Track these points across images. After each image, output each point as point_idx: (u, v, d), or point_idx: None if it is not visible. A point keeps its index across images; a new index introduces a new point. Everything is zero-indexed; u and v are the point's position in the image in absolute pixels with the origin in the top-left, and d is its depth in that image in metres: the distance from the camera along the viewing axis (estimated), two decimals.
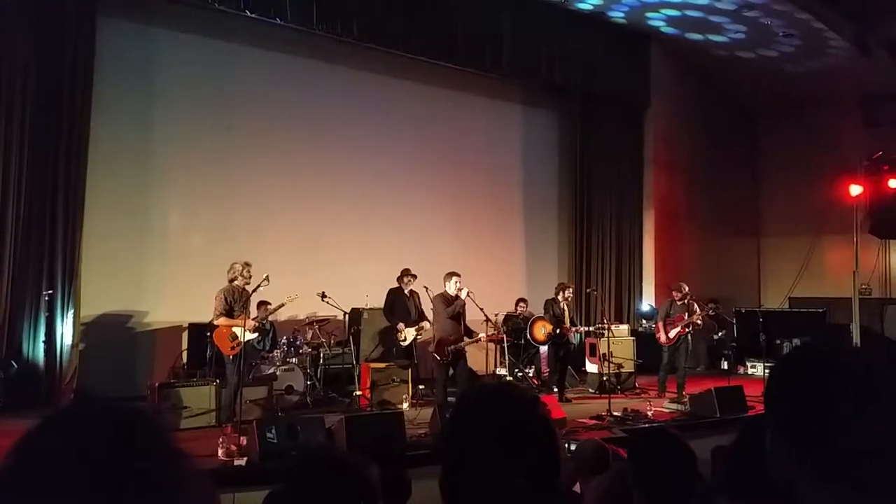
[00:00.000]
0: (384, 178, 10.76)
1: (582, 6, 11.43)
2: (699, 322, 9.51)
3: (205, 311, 7.70)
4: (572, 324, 9.60)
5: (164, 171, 9.15)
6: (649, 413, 7.96)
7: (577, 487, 3.30)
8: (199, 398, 7.15)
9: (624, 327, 11.17)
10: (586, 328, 10.22)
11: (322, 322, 8.97)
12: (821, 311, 12.61)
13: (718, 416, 7.69)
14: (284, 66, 10.03)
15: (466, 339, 7.88)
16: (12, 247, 7.75)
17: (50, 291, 7.78)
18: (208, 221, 9.51)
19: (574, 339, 9.96)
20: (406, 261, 9.04)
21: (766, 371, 9.81)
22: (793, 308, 13.97)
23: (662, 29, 12.15)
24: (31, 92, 7.85)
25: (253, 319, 7.66)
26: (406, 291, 8.65)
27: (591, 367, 10.12)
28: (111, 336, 8.53)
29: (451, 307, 7.86)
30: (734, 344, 11.63)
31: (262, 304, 8.16)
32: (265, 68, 9.88)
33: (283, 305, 7.95)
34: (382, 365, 8.53)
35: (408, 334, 8.44)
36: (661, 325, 9.52)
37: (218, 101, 9.56)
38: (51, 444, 0.78)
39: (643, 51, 12.78)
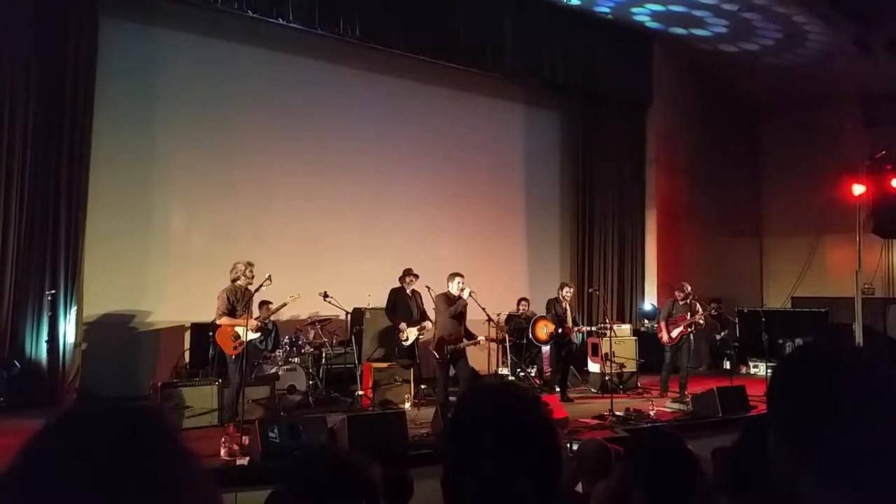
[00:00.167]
0: (386, 178, 10.77)
1: (572, 1, 11.38)
2: (701, 322, 9.50)
3: (207, 310, 7.71)
4: (574, 323, 9.59)
5: (166, 170, 9.16)
6: (651, 413, 7.95)
7: (579, 487, 3.30)
8: (202, 398, 7.16)
9: (626, 327, 11.17)
10: (588, 328, 10.21)
11: (324, 322, 8.98)
12: (823, 310, 12.60)
13: (721, 415, 7.69)
14: (286, 65, 10.04)
15: (465, 341, 7.88)
16: (15, 247, 7.77)
17: (52, 291, 7.80)
18: (210, 221, 9.52)
19: (576, 338, 9.96)
20: (408, 260, 9.04)
21: (769, 371, 9.79)
22: (795, 308, 13.96)
23: (647, 24, 12.13)
24: (33, 92, 7.86)
25: (255, 319, 7.67)
26: (408, 291, 8.65)
27: (594, 367, 10.12)
28: (114, 336, 8.55)
29: (454, 307, 7.86)
30: (736, 344, 11.64)
31: (264, 303, 8.16)
32: (266, 68, 9.89)
33: (285, 305, 7.96)
34: (384, 364, 8.53)
35: (410, 334, 8.44)
36: (663, 324, 9.51)
37: (219, 100, 9.57)
38: (56, 444, 0.79)
39: (645, 51, 12.77)
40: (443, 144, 11.39)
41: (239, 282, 7.43)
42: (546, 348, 9.97)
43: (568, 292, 9.66)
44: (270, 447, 5.57)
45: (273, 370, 8.00)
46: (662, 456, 2.15)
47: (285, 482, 2.02)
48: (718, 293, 12.50)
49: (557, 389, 9.29)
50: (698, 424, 7.56)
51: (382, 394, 8.28)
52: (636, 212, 13.04)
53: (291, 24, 9.25)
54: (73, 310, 8.02)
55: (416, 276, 8.69)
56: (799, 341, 10.10)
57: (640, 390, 9.95)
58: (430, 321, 8.36)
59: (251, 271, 7.45)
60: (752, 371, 11.86)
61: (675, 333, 9.33)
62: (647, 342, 10.56)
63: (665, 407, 8.52)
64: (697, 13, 11.44)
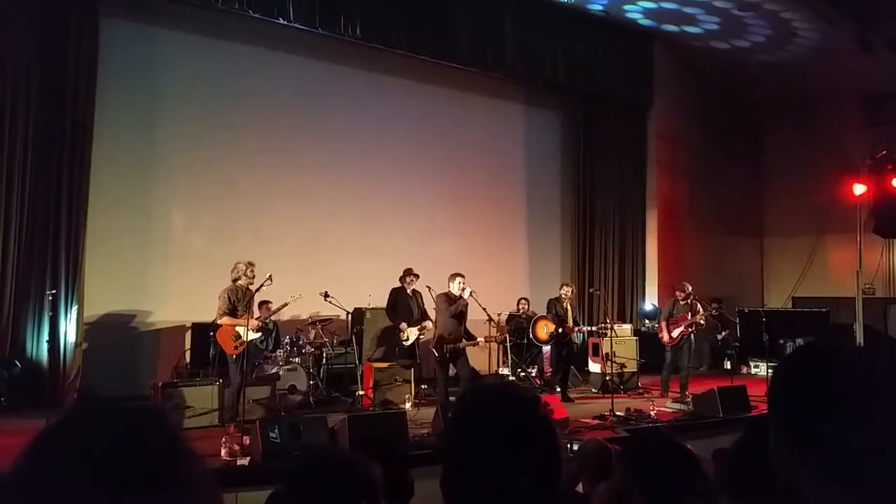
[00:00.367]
0: (387, 178, 10.77)
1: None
2: (702, 322, 9.50)
3: (208, 310, 7.71)
4: (575, 323, 9.59)
5: (167, 170, 9.16)
6: (652, 413, 7.94)
7: (579, 487, 3.30)
8: (202, 398, 7.16)
9: (627, 327, 11.17)
10: (589, 328, 10.21)
11: (325, 322, 8.98)
12: (824, 310, 12.59)
13: (721, 416, 7.68)
14: (286, 65, 10.04)
15: (465, 341, 7.88)
16: (16, 247, 7.78)
17: (53, 291, 7.79)
18: (211, 221, 9.53)
19: (577, 338, 9.96)
20: (408, 260, 9.04)
21: (770, 371, 9.79)
22: (796, 308, 13.95)
23: (640, 21, 12.12)
24: (33, 92, 7.87)
25: (256, 319, 7.67)
26: (409, 291, 8.65)
27: (594, 367, 10.12)
28: (114, 335, 8.55)
29: (454, 306, 7.86)
30: (737, 344, 11.64)
31: (264, 303, 8.17)
32: (267, 68, 9.89)
33: (286, 305, 7.96)
34: (385, 364, 8.53)
35: (410, 334, 8.44)
36: (664, 324, 9.50)
37: (220, 100, 9.57)
38: (58, 444, 0.79)
39: (646, 51, 12.76)
40: (443, 144, 11.39)
41: (240, 282, 7.44)
42: (546, 348, 9.97)
43: (568, 292, 9.66)
44: (271, 447, 5.57)
45: (274, 370, 8.00)
46: (660, 456, 2.15)
47: (286, 482, 2.02)
48: (719, 293, 12.50)
49: (558, 389, 9.29)
50: (699, 425, 7.55)
51: (383, 394, 8.28)
52: (637, 212, 13.04)
53: (292, 24, 9.25)
54: (74, 310, 8.03)
55: (417, 276, 8.69)
56: (800, 341, 10.09)
57: (640, 390, 9.95)
58: (431, 321, 8.36)
59: (252, 271, 7.46)
60: (753, 371, 11.86)
61: (675, 333, 9.33)
62: (647, 342, 10.56)
63: (666, 407, 8.51)
64: (689, 10, 11.43)
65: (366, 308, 9.44)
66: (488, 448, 1.26)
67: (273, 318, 8.36)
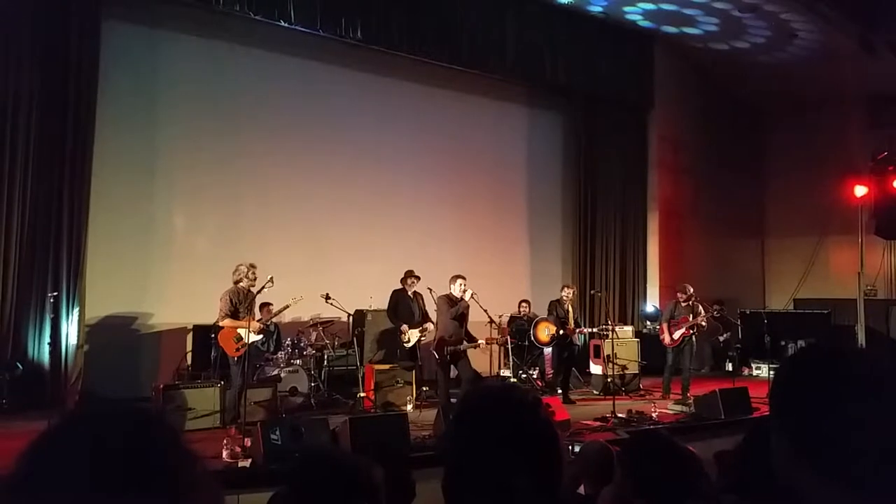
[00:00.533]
0: (387, 180, 10.77)
1: (564, 0, 11.38)
2: (704, 324, 9.49)
3: (209, 312, 7.71)
4: (576, 325, 9.59)
5: (168, 172, 9.17)
6: (653, 415, 7.94)
7: (581, 489, 3.30)
8: (204, 400, 7.17)
9: (628, 329, 11.16)
10: (590, 329, 10.20)
11: (326, 324, 8.98)
12: (826, 312, 12.58)
13: (723, 417, 7.68)
14: (288, 67, 10.05)
15: (465, 343, 7.87)
16: (17, 248, 7.78)
17: (55, 293, 7.79)
18: (213, 223, 9.53)
19: (578, 340, 9.95)
20: (410, 262, 9.04)
21: (771, 373, 9.79)
22: (798, 309, 13.95)
23: (640, 23, 12.12)
24: (35, 94, 7.88)
25: (258, 321, 7.68)
26: (410, 293, 8.65)
27: (596, 369, 10.11)
28: (116, 337, 8.55)
29: (455, 308, 7.85)
30: (739, 345, 11.62)
31: (265, 305, 8.17)
32: (269, 70, 9.90)
33: (287, 307, 7.97)
34: (386, 366, 8.53)
35: (411, 336, 8.44)
36: (665, 326, 9.49)
37: (222, 102, 9.58)
38: (59, 445, 0.79)
39: (647, 53, 12.77)
40: (445, 146, 11.39)
41: (241, 283, 7.44)
42: (548, 350, 9.96)
43: (570, 294, 9.65)
44: (272, 449, 5.57)
45: (275, 372, 8.00)
46: (659, 459, 2.15)
47: (287, 484, 2.02)
48: (721, 295, 12.49)
49: (559, 391, 9.29)
50: (700, 426, 7.55)
51: (384, 396, 8.28)
52: (638, 213, 13.04)
53: (293, 27, 9.27)
54: (76, 311, 8.03)
55: (418, 278, 8.69)
56: (801, 343, 10.08)
57: (642, 392, 9.94)
58: (432, 323, 8.36)
59: (254, 273, 7.46)
60: (755, 373, 11.85)
61: (677, 335, 9.32)
62: (649, 344, 10.55)
63: (667, 409, 8.51)
64: (688, 11, 11.43)
65: (367, 310, 9.43)
66: (489, 450, 1.26)
67: (274, 320, 8.36)
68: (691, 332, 9.31)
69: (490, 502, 1.26)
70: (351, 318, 9.18)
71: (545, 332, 9.45)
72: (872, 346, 11.28)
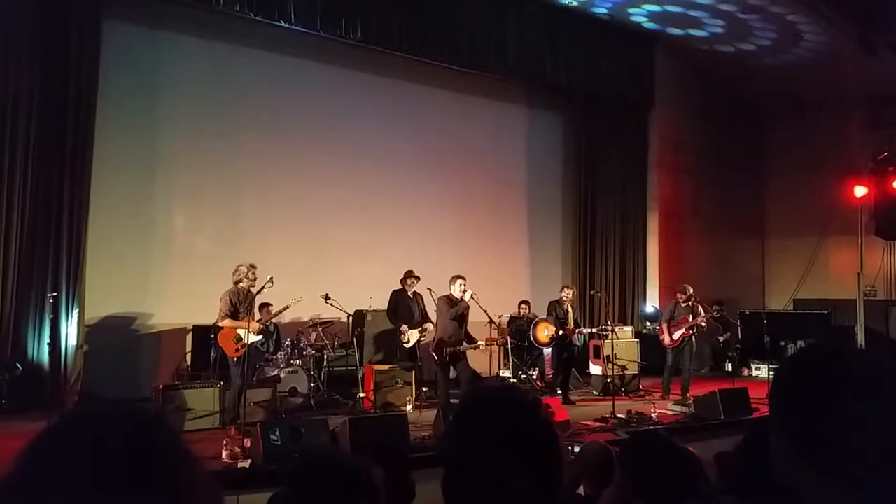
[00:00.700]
0: (388, 180, 10.77)
1: (566, 1, 11.38)
2: (703, 324, 9.49)
3: (209, 312, 7.71)
4: (576, 325, 9.59)
5: (168, 173, 9.17)
6: (653, 415, 7.94)
7: (581, 490, 3.29)
8: (203, 400, 7.16)
9: (628, 329, 11.16)
10: (590, 330, 10.20)
11: (326, 324, 8.97)
12: (825, 312, 12.59)
13: (722, 418, 7.68)
14: (288, 68, 10.05)
15: (465, 345, 7.87)
16: (17, 249, 7.78)
17: (54, 293, 7.79)
18: (213, 223, 9.53)
19: (577, 340, 9.95)
20: (410, 263, 9.04)
21: (771, 373, 9.79)
22: (797, 310, 13.95)
23: (644, 24, 12.11)
24: (35, 94, 7.87)
25: (257, 321, 7.67)
26: (409, 293, 8.66)
27: (595, 369, 10.11)
28: (115, 338, 8.55)
29: (455, 309, 7.85)
30: (738, 346, 11.63)
31: (264, 306, 8.17)
32: (270, 71, 9.90)
33: (287, 308, 7.97)
34: (386, 367, 8.53)
35: (411, 336, 8.44)
36: (665, 326, 9.49)
37: (222, 103, 9.58)
38: (67, 443, 0.79)
39: (648, 53, 12.76)
40: (445, 146, 11.39)
41: (241, 284, 7.44)
42: (547, 351, 9.96)
43: (569, 294, 9.65)
44: (272, 450, 5.56)
45: (275, 372, 8.00)
46: (658, 460, 2.15)
47: (287, 485, 2.02)
48: (720, 295, 12.49)
49: (559, 392, 9.28)
50: (700, 427, 7.55)
51: (384, 396, 8.28)
52: (638, 213, 13.04)
53: (294, 28, 9.27)
54: (75, 312, 8.02)
55: (418, 278, 8.70)
56: (801, 343, 10.08)
57: (641, 393, 9.94)
58: (432, 323, 8.36)
59: (254, 273, 7.46)
60: (755, 373, 11.85)
61: (676, 336, 9.32)
62: (648, 344, 10.55)
63: (667, 409, 8.51)
64: (694, 13, 11.44)
65: (367, 310, 9.43)
66: (489, 450, 1.26)
67: (274, 320, 8.36)
68: (691, 332, 9.31)
69: (490, 503, 1.26)
70: (350, 318, 9.18)
71: (544, 332, 9.45)
72: (872, 346, 11.28)
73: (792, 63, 12.57)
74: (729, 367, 11.64)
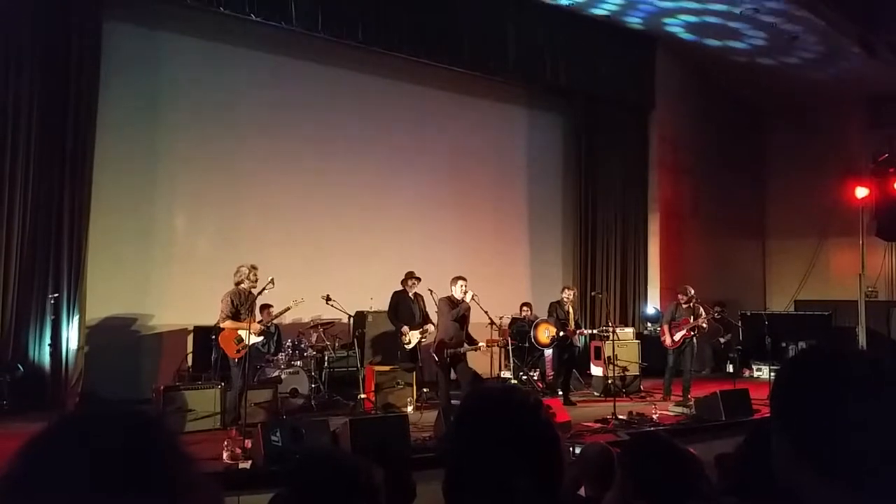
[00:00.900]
0: (388, 181, 10.77)
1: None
2: (704, 325, 9.49)
3: (210, 313, 7.71)
4: (577, 326, 9.58)
5: (169, 174, 9.17)
6: (654, 416, 7.94)
7: (581, 491, 3.29)
8: (204, 401, 7.16)
9: (629, 330, 11.15)
10: (591, 331, 10.19)
11: (326, 325, 8.97)
12: (826, 313, 12.58)
13: (724, 419, 7.67)
14: (289, 69, 10.05)
15: (466, 346, 7.87)
16: (18, 250, 7.78)
17: (55, 294, 7.80)
18: (214, 224, 9.54)
19: (578, 341, 9.94)
20: (410, 264, 9.04)
21: (772, 374, 9.78)
22: (798, 311, 13.94)
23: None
24: (36, 95, 7.87)
25: (258, 323, 7.68)
26: (410, 294, 8.66)
27: (596, 371, 10.10)
28: (117, 339, 8.55)
29: (456, 310, 7.85)
30: (740, 347, 11.62)
31: (265, 307, 8.17)
32: (271, 72, 9.91)
33: (288, 309, 7.97)
34: (387, 368, 8.53)
35: (412, 337, 8.44)
36: (666, 328, 9.49)
37: (223, 104, 9.59)
38: (64, 444, 0.79)
39: (648, 54, 12.75)
40: (445, 147, 11.39)
41: (243, 285, 7.44)
42: (548, 352, 9.95)
43: (570, 295, 9.65)
44: (273, 450, 5.56)
45: (275, 373, 8.00)
46: (659, 461, 2.15)
47: (288, 486, 2.02)
48: (722, 296, 12.48)
49: (560, 393, 9.28)
50: (701, 428, 7.54)
51: (385, 397, 8.28)
52: (638, 214, 13.03)
53: (295, 29, 9.27)
54: (76, 313, 8.02)
55: (419, 279, 8.70)
56: (802, 345, 10.06)
57: (642, 394, 9.93)
58: (433, 324, 8.36)
59: (255, 274, 7.46)
60: (756, 374, 11.85)
61: (678, 337, 9.31)
62: (650, 345, 10.54)
63: (668, 410, 8.50)
64: (692, 17, 11.43)
65: (367, 311, 9.43)
66: (490, 451, 1.26)
67: (275, 321, 8.36)
68: (692, 333, 9.30)
69: (490, 503, 1.26)
70: (351, 319, 9.18)
71: (545, 333, 9.44)
72: (873, 347, 11.27)
73: (792, 64, 12.56)
74: (730, 369, 11.63)
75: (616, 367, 9.40)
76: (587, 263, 12.35)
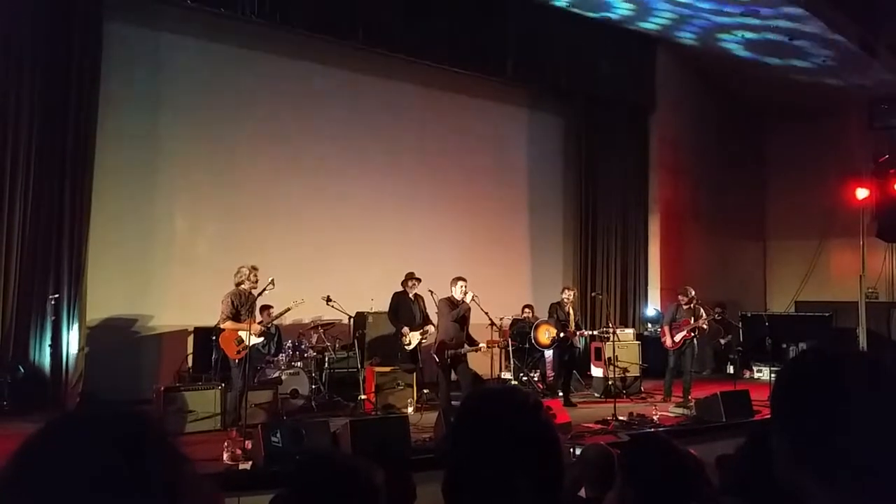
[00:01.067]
0: (389, 183, 10.77)
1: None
2: (705, 326, 9.48)
3: (210, 314, 7.72)
4: (577, 327, 9.57)
5: (170, 175, 9.18)
6: (655, 417, 7.93)
7: (582, 492, 3.29)
8: (205, 402, 7.16)
9: (629, 331, 11.14)
10: (591, 332, 10.19)
11: (327, 326, 8.97)
12: (827, 315, 12.57)
13: (724, 420, 7.67)
14: (289, 70, 10.06)
15: (466, 347, 7.87)
16: (19, 250, 7.78)
17: (56, 295, 7.79)
18: (214, 225, 9.54)
19: (578, 342, 9.94)
20: (411, 265, 9.04)
21: (772, 375, 9.78)
22: (799, 312, 13.93)
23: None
24: (38, 96, 7.87)
25: (259, 324, 7.68)
26: (410, 295, 8.66)
27: (597, 372, 10.10)
28: (117, 340, 8.55)
29: (456, 311, 7.85)
30: (740, 348, 11.61)
31: (266, 308, 8.16)
32: (271, 73, 9.91)
33: (288, 310, 7.97)
34: (387, 369, 8.53)
35: (412, 338, 8.44)
36: (666, 329, 9.48)
37: (224, 105, 9.59)
38: (61, 444, 0.79)
39: (649, 55, 12.75)
40: (445, 148, 11.39)
41: (243, 286, 7.45)
42: (549, 352, 9.95)
43: (570, 296, 9.64)
44: (273, 451, 5.56)
45: (276, 374, 8.00)
46: (657, 461, 2.14)
47: (288, 487, 2.02)
48: (722, 297, 12.48)
49: (560, 394, 9.27)
50: (702, 429, 7.54)
51: (385, 398, 8.27)
52: (639, 215, 13.03)
53: (296, 30, 9.28)
54: (77, 314, 8.02)
55: (419, 280, 8.70)
56: (803, 346, 10.07)
57: (643, 395, 9.93)
58: (433, 325, 8.36)
59: (255, 275, 7.47)
60: (756, 375, 11.85)
61: (678, 338, 9.31)
62: (650, 346, 10.54)
63: (668, 411, 8.49)
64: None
65: (368, 312, 9.43)
66: (490, 452, 1.26)
67: (275, 322, 8.36)
68: (693, 334, 9.29)
69: None
70: (352, 320, 9.18)
71: (545, 334, 9.43)
72: (874, 348, 11.27)
73: (793, 65, 12.56)
74: (730, 370, 11.62)
75: (616, 369, 9.40)
76: (587, 264, 12.34)
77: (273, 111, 9.94)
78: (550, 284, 11.58)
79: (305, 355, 8.45)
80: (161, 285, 8.98)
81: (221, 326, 7.39)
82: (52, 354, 7.75)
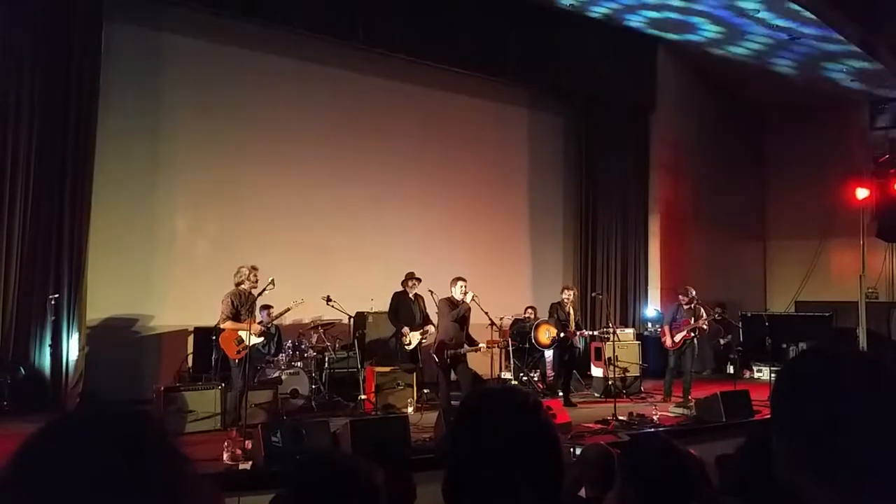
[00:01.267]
0: (389, 182, 10.77)
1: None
2: (705, 326, 9.48)
3: (211, 314, 7.72)
4: (577, 327, 9.57)
5: (170, 175, 9.18)
6: (655, 417, 7.93)
7: (582, 492, 3.29)
8: (205, 402, 7.16)
9: (629, 331, 11.14)
10: (591, 332, 10.19)
11: (327, 326, 8.97)
12: (827, 315, 12.57)
13: (724, 420, 7.67)
14: (290, 70, 10.06)
15: (466, 347, 7.86)
16: (19, 251, 7.78)
17: (56, 295, 7.79)
18: (215, 225, 9.54)
19: (578, 342, 9.94)
20: (411, 265, 9.04)
21: (773, 375, 9.78)
22: (799, 312, 13.93)
23: (644, 30, 12.08)
24: (37, 96, 7.87)
25: (259, 324, 7.68)
26: (411, 295, 8.66)
27: (597, 371, 10.10)
28: (117, 340, 8.55)
29: (456, 311, 7.85)
30: (740, 348, 11.62)
31: (266, 307, 8.17)
32: (271, 73, 9.91)
33: (289, 310, 7.97)
34: (387, 369, 8.53)
35: (412, 338, 8.44)
36: (666, 329, 9.48)
37: (224, 105, 9.59)
38: (61, 444, 0.79)
39: (649, 55, 12.75)
40: (445, 148, 11.39)
41: (243, 286, 7.45)
42: (549, 352, 9.95)
43: (570, 296, 9.64)
44: (273, 451, 5.56)
45: (276, 374, 8.00)
46: (656, 461, 2.14)
47: (288, 487, 2.02)
48: (722, 297, 12.48)
49: (560, 394, 9.27)
50: (702, 429, 7.54)
51: (385, 398, 8.27)
52: (640, 216, 13.03)
53: (297, 30, 9.28)
54: (77, 314, 8.02)
55: (419, 280, 8.70)
56: (803, 346, 10.07)
57: (643, 395, 9.93)
58: (433, 325, 8.36)
59: (255, 275, 7.47)
60: (756, 375, 11.85)
61: (678, 338, 9.31)
62: (650, 346, 10.54)
63: (668, 411, 8.49)
64: (693, 19, 11.40)
65: (368, 312, 9.43)
66: (490, 453, 1.26)
67: (275, 322, 8.36)
68: (693, 334, 9.29)
69: None
70: (352, 320, 9.18)
71: (546, 334, 9.43)
72: (874, 348, 11.27)
73: (793, 65, 12.56)
74: (731, 370, 11.63)
75: (616, 368, 9.40)
76: (588, 264, 12.34)
77: (273, 111, 9.94)
78: (550, 284, 11.58)
79: (305, 355, 8.45)
80: (161, 285, 8.98)
81: (221, 326, 7.39)
82: (52, 355, 7.75)
